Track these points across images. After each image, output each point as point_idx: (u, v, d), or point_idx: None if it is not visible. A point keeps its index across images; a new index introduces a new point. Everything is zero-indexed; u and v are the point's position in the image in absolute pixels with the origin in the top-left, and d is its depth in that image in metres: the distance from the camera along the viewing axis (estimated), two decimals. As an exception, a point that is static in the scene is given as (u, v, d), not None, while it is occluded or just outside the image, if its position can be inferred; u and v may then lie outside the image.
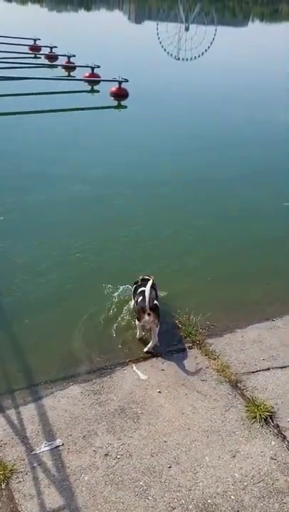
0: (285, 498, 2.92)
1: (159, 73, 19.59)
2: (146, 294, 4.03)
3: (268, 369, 4.02)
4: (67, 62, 16.35)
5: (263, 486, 2.99)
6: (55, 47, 17.59)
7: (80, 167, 8.28)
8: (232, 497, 2.91)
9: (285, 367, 4.03)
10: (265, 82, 19.86)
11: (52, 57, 17.23)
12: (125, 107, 13.37)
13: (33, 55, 17.99)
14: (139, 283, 4.42)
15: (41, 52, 17.98)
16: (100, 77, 14.54)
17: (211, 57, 26.22)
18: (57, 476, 3.01)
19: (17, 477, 2.98)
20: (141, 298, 4.15)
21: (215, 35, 38.28)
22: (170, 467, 3.08)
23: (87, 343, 4.31)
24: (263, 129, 12.28)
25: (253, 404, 3.53)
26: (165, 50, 28.00)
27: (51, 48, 17.51)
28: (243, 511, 2.83)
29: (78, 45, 21.30)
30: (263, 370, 4.00)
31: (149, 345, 4.24)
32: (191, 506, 2.85)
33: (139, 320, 4.23)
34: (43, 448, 3.21)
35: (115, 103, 13.43)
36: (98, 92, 14.50)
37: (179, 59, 25.49)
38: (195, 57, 26.18)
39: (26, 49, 18.27)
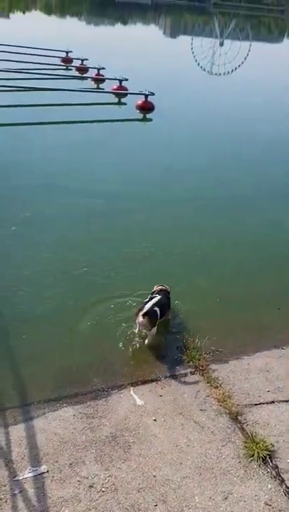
0: None
1: (189, 88, 19.59)
2: (153, 300, 4.31)
3: (273, 402, 3.78)
4: (96, 75, 16.51)
5: (255, 533, 2.77)
6: (86, 59, 17.81)
7: (98, 180, 8.22)
8: None
9: (290, 401, 3.79)
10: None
11: (82, 70, 17.43)
12: (150, 119, 13.35)
13: (64, 67, 18.32)
14: (155, 293, 4.57)
15: (72, 65, 18.28)
16: (127, 90, 14.60)
17: (245, 73, 26.09)
18: (37, 506, 2.86)
19: (-5, 504, 2.85)
20: (146, 301, 4.36)
21: (249, 50, 38.26)
22: (156, 505, 2.89)
23: (85, 363, 4.18)
24: (284, 147, 12.02)
25: (252, 441, 3.31)
26: (199, 64, 28.08)
27: (82, 60, 17.74)
28: None
29: (111, 58, 21.59)
30: (266, 403, 3.77)
31: (146, 341, 4.34)
32: None
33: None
34: (26, 474, 3.08)
35: (141, 116, 13.42)
36: (125, 104, 14.54)
37: (212, 74, 25.46)
38: (228, 72, 26.14)
39: (59, 61, 18.64)
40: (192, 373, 4.12)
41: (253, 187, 8.69)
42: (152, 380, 4.03)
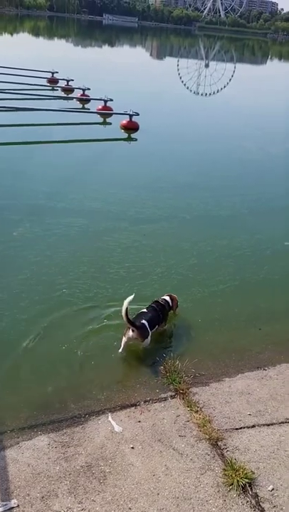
0: None
1: (175, 108, 19.87)
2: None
3: (253, 426, 3.68)
4: (82, 95, 16.68)
5: None
6: (72, 80, 18.03)
7: (82, 200, 8.19)
8: None
9: (271, 424, 3.70)
10: (280, 120, 19.93)
11: (68, 90, 17.62)
12: (135, 139, 13.44)
13: (50, 88, 18.49)
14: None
15: (58, 85, 18.47)
16: (112, 110, 14.73)
17: (230, 94, 26.59)
18: None
19: None
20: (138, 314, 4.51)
21: (234, 72, 39.17)
22: (131, 540, 2.77)
23: (62, 388, 4.05)
24: (272, 168, 12.17)
25: (232, 468, 3.20)
26: (185, 85, 28.58)
27: (68, 81, 17.94)
28: None
29: (97, 79, 21.88)
30: (247, 427, 3.67)
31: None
32: None
33: (124, 335, 4.39)
34: (-5, 508, 2.93)
35: (125, 136, 13.52)
36: (110, 124, 14.66)
37: (198, 94, 25.91)
38: (214, 92, 26.66)
39: (44, 81, 18.82)
40: (172, 397, 4.01)
41: (236, 206, 8.72)
42: (131, 405, 3.91)
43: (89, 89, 16.76)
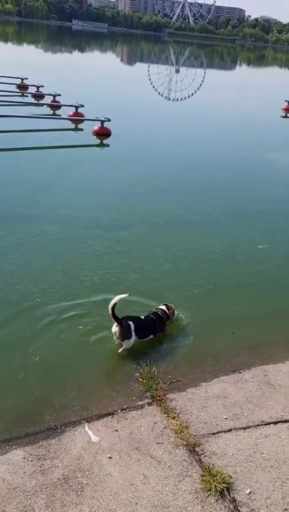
0: None
1: (146, 113, 19.99)
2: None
3: (230, 430, 3.71)
4: (52, 101, 16.59)
5: None
6: (42, 86, 17.90)
7: (55, 207, 8.13)
8: None
9: (247, 427, 3.73)
10: (248, 123, 20.29)
11: (38, 96, 17.49)
12: (107, 145, 13.44)
13: (20, 94, 18.30)
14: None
15: (28, 91, 18.30)
16: (83, 116, 14.70)
17: (200, 99, 26.93)
18: None
19: None
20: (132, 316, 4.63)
21: (204, 77, 39.72)
22: None
23: (37, 399, 3.99)
24: (242, 170, 12.36)
25: (209, 474, 3.21)
26: (156, 90, 28.75)
27: (38, 87, 17.80)
28: None
29: (67, 84, 21.80)
30: (224, 431, 3.69)
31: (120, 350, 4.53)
32: None
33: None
34: None
35: (98, 141, 13.50)
36: (82, 130, 14.62)
37: (169, 99, 26.12)
38: (185, 97, 26.93)
39: (14, 87, 18.63)
40: (149, 404, 4.00)
41: (209, 210, 8.81)
42: (108, 414, 3.88)
43: (59, 95, 16.68)
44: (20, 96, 17.97)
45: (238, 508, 3.00)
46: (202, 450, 3.50)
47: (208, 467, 3.27)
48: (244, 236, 7.77)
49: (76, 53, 59.37)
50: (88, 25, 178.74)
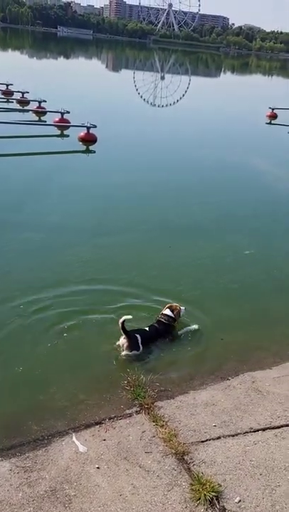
0: None
1: (132, 120, 20.04)
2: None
3: (219, 437, 3.68)
4: (37, 107, 16.53)
5: None
6: (27, 92, 17.83)
7: (40, 214, 8.08)
8: None
9: (236, 435, 3.71)
10: (234, 130, 20.49)
11: (23, 102, 17.41)
12: (94, 151, 13.42)
13: (5, 100, 18.22)
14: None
15: (13, 97, 18.22)
16: (69, 123, 14.68)
17: (185, 105, 27.13)
18: None
19: None
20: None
21: (189, 84, 40.08)
22: None
23: (24, 409, 3.93)
24: (228, 176, 12.45)
25: (199, 482, 3.18)
26: (141, 97, 28.90)
27: (23, 93, 17.74)
28: None
29: (53, 91, 21.75)
30: (213, 439, 3.67)
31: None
32: None
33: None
34: None
35: (83, 148, 13.48)
36: (68, 136, 14.59)
37: (155, 106, 26.27)
38: (170, 104, 27.09)
39: (-1, 94, 18.56)
40: (137, 412, 3.96)
41: (196, 215, 8.84)
42: (96, 423, 3.83)
43: (45, 101, 16.65)
44: (5, 102, 17.89)
45: (228, 517, 2.98)
46: (191, 458, 3.47)
47: (198, 476, 3.24)
48: (231, 241, 7.80)
49: (62, 59, 59.32)
50: (73, 31, 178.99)
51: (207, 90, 41.05)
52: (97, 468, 3.37)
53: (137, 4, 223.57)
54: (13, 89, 18.81)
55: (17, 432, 3.71)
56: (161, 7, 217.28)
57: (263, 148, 17.38)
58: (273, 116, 22.89)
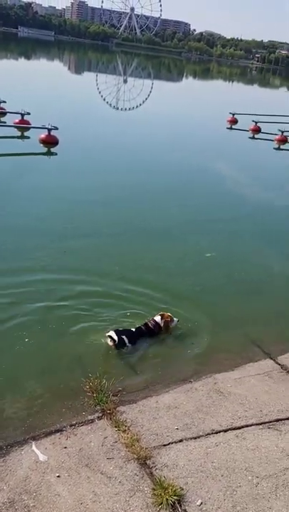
0: None
1: (94, 122, 19.92)
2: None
3: (181, 440, 3.68)
4: (-4, 109, 16.16)
5: None
6: (-14, 93, 17.38)
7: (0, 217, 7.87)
8: None
9: (198, 437, 3.72)
10: (196, 135, 20.76)
11: (-18, 103, 16.95)
12: (55, 154, 13.25)
13: None
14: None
15: None
16: (30, 124, 14.43)
17: (148, 109, 27.26)
18: None
19: None
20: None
21: (152, 88, 40.35)
22: None
23: (-19, 419, 3.80)
24: (191, 179, 12.58)
25: (161, 487, 3.16)
26: (104, 99, 28.81)
27: (-19, 93, 17.27)
28: None
29: (13, 92, 21.32)
30: (175, 442, 3.67)
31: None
32: None
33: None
34: None
35: (45, 150, 13.28)
36: (28, 138, 14.34)
37: (118, 109, 26.25)
38: (133, 107, 27.15)
39: None
40: (99, 418, 3.91)
41: (162, 219, 8.87)
42: (57, 431, 3.75)
43: (5, 102, 16.31)
44: None
45: (190, 520, 2.97)
46: (153, 463, 3.45)
47: (160, 480, 3.22)
48: (194, 244, 7.86)
49: (22, 60, 58.35)
50: (34, 32, 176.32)
51: (170, 95, 41.44)
52: (58, 476, 3.29)
53: (99, 7, 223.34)
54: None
55: (-26, 442, 3.57)
56: (124, 11, 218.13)
57: (226, 153, 17.68)
58: (234, 122, 23.36)
